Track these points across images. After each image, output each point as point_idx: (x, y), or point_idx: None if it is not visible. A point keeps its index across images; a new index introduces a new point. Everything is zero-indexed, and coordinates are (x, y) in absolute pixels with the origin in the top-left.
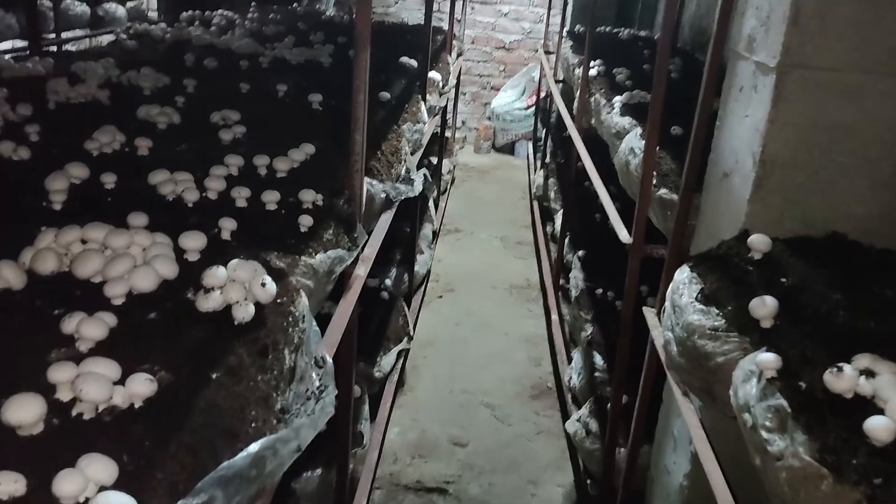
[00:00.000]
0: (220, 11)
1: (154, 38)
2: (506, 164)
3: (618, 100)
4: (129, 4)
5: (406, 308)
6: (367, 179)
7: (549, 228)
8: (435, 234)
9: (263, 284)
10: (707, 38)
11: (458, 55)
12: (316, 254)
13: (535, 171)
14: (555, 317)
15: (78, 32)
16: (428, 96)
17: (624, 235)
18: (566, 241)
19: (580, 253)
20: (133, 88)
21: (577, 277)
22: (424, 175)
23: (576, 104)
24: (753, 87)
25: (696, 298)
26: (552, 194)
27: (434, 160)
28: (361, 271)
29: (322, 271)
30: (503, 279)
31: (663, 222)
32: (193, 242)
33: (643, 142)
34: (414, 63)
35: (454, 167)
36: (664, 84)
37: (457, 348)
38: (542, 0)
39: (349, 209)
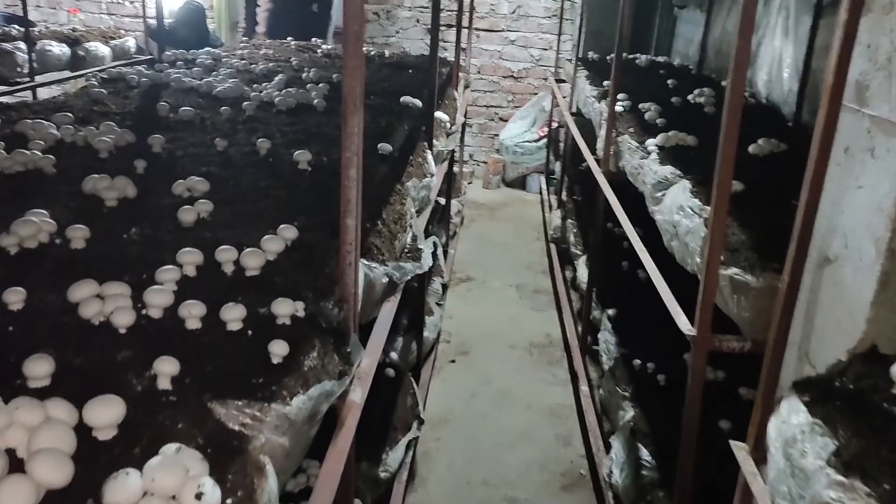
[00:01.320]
0: (206, 49)
1: (128, 83)
2: (517, 200)
3: (652, 143)
4: (113, 43)
5: (415, 384)
6: (364, 263)
7: (568, 273)
8: (445, 287)
9: (200, 496)
10: None
11: (466, 87)
12: (293, 396)
13: (550, 208)
14: (584, 388)
15: (66, 74)
16: (435, 141)
17: (684, 323)
18: (593, 294)
19: (610, 312)
20: (87, 151)
21: (608, 342)
22: (434, 244)
23: (599, 145)
24: (869, 149)
25: (830, 463)
26: (571, 237)
27: (442, 200)
28: (357, 396)
29: (301, 419)
30: (522, 336)
31: (735, 309)
32: (105, 416)
33: (694, 200)
34: (418, 103)
35: (463, 206)
36: (735, 143)
37: (474, 426)
38: (551, 26)
39: (340, 314)
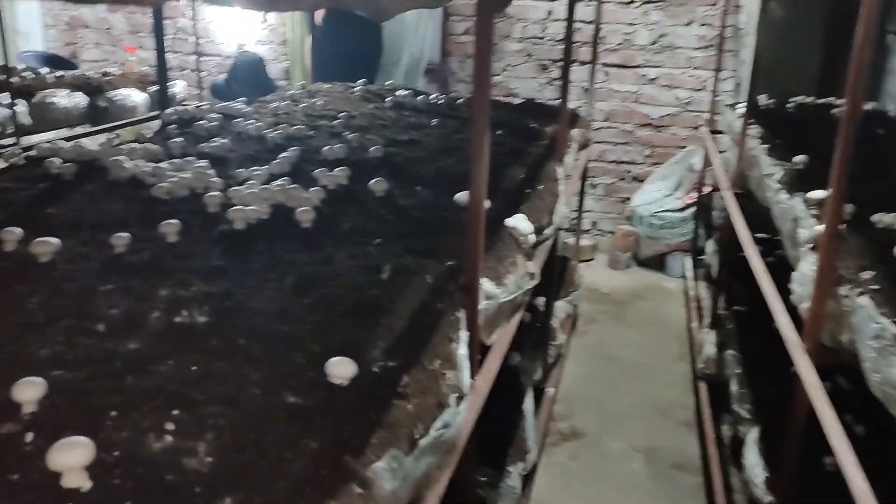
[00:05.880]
0: (242, 100)
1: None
2: (653, 289)
3: None
4: (153, 89)
5: None
6: None
7: (726, 430)
8: (529, 476)
9: None
10: None
11: (583, 147)
12: None
13: (700, 311)
14: None
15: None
16: (494, 289)
17: None
18: None
19: None
20: None
21: None
22: None
23: (798, 287)
24: None
25: None
26: (732, 380)
27: (542, 302)
28: None
29: None
30: None
31: None
32: None
33: None
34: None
35: (576, 306)
36: None
37: None
38: (705, 60)
39: None
